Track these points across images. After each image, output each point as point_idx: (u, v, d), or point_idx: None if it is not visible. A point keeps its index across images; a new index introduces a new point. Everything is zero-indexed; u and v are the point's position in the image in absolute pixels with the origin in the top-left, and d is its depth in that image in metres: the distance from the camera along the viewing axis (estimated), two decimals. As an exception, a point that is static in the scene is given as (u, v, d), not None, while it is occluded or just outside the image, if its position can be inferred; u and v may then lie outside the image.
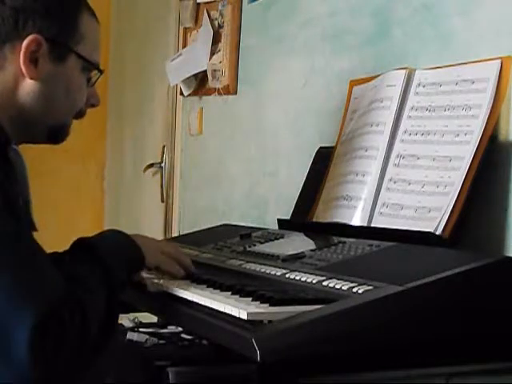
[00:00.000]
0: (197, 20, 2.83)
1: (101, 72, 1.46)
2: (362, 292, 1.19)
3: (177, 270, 1.50)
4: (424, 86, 1.64)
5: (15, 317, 1.13)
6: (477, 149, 1.47)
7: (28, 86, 1.37)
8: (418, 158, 1.59)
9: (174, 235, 2.96)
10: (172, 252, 1.52)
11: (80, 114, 1.47)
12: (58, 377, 1.16)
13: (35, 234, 1.36)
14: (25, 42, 1.34)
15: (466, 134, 1.51)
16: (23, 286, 1.16)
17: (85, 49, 1.41)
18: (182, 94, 2.91)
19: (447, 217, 1.46)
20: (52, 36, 1.36)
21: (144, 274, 1.52)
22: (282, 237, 1.71)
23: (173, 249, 1.55)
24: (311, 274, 1.35)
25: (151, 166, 3.25)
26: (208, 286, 1.38)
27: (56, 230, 3.53)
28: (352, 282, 1.24)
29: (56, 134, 1.45)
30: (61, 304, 1.16)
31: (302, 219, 1.85)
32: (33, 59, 1.35)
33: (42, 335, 1.13)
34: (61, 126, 1.44)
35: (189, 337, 1.76)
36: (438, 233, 1.46)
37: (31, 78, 1.36)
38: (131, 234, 1.51)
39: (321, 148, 1.95)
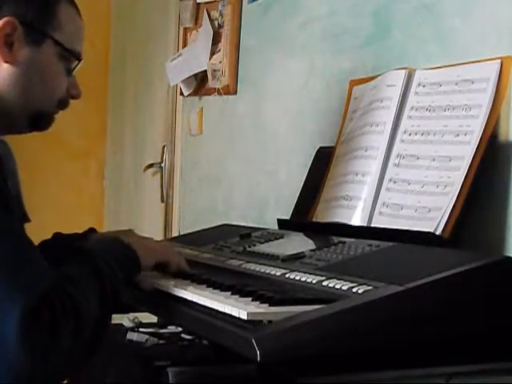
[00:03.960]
0: (197, 20, 2.83)
1: (79, 60, 1.45)
2: (362, 292, 1.19)
3: (175, 262, 1.50)
4: (424, 86, 1.64)
5: (5, 306, 1.13)
6: (477, 149, 1.47)
7: (4, 71, 1.37)
8: (418, 158, 1.59)
9: (174, 235, 2.96)
10: (165, 251, 1.53)
11: (63, 104, 1.46)
12: (48, 369, 1.16)
13: (29, 225, 1.36)
14: None
15: (465, 134, 1.51)
16: (13, 277, 1.16)
17: (63, 36, 1.41)
18: (182, 94, 2.91)
19: (447, 217, 1.46)
20: (27, 20, 1.36)
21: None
22: (282, 237, 1.71)
23: (166, 248, 1.55)
24: (311, 274, 1.35)
25: (151, 166, 3.25)
26: (208, 286, 1.38)
27: (55, 229, 3.54)
28: (352, 282, 1.24)
29: (38, 122, 1.44)
30: (50, 293, 1.16)
31: (301, 219, 1.85)
32: (8, 42, 1.36)
33: (32, 324, 1.12)
34: (41, 114, 1.44)
35: (189, 337, 1.76)
36: (437, 233, 1.46)
37: (6, 62, 1.36)
38: (125, 230, 1.51)
39: (321, 148, 1.95)
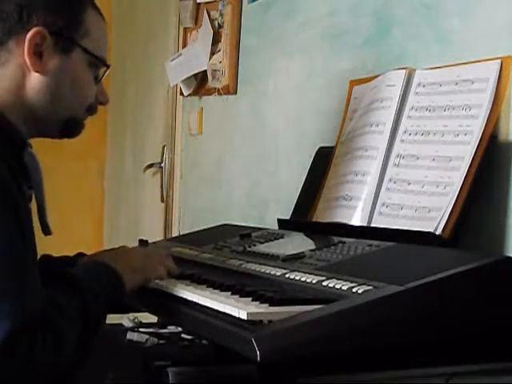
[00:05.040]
0: (197, 20, 2.83)
1: (107, 67, 1.46)
2: (362, 292, 1.19)
3: (162, 275, 1.50)
4: (424, 86, 1.64)
5: None
6: (477, 149, 1.47)
7: (34, 80, 1.38)
8: (418, 158, 1.59)
9: (174, 235, 2.96)
10: (157, 259, 1.52)
11: (91, 110, 1.47)
12: None
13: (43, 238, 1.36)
14: (29, 35, 1.35)
15: (465, 134, 1.51)
16: (2, 296, 1.16)
17: (90, 43, 1.42)
18: (182, 94, 2.91)
19: (447, 217, 1.46)
20: (56, 29, 1.37)
21: None
22: (282, 237, 1.71)
23: (157, 256, 1.55)
24: (311, 274, 1.35)
25: (151, 166, 3.25)
26: (208, 286, 1.38)
27: (55, 229, 3.53)
28: (352, 282, 1.24)
29: (69, 129, 1.46)
30: (35, 322, 1.16)
31: (301, 219, 1.85)
32: (37, 52, 1.36)
33: (9, 349, 1.12)
34: (73, 121, 1.45)
35: (189, 337, 1.76)
36: (437, 233, 1.46)
37: (36, 71, 1.37)
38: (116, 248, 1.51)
39: (321, 148, 1.95)
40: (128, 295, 1.43)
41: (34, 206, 1.40)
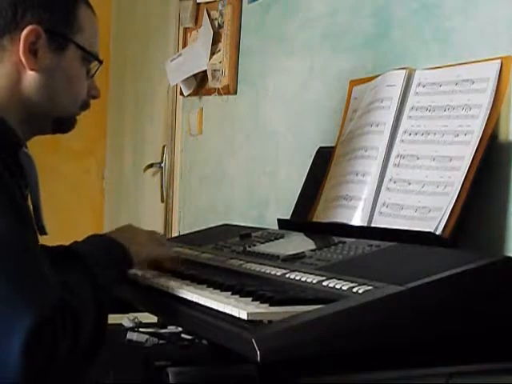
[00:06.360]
0: (197, 20, 2.83)
1: (100, 63, 1.47)
2: (362, 292, 1.19)
3: (166, 257, 1.54)
4: (424, 86, 1.64)
5: (11, 322, 1.12)
6: (477, 149, 1.47)
7: (29, 78, 1.38)
8: (418, 158, 1.59)
9: (174, 235, 2.96)
10: (157, 245, 1.55)
11: (85, 105, 1.47)
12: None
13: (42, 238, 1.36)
14: (23, 33, 1.35)
15: (465, 134, 1.51)
16: (20, 293, 1.15)
17: (84, 40, 1.42)
18: (182, 94, 2.91)
19: (447, 217, 1.46)
20: (51, 27, 1.37)
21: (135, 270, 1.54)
22: (282, 237, 1.71)
23: (158, 243, 1.58)
24: (311, 273, 1.35)
25: (151, 166, 3.25)
26: (208, 286, 1.38)
27: (55, 229, 3.53)
28: (352, 282, 1.24)
29: (62, 126, 1.46)
30: (55, 312, 1.16)
31: (302, 219, 1.85)
32: (32, 50, 1.36)
33: (35, 341, 1.12)
34: (66, 118, 1.45)
35: (189, 337, 1.76)
36: (438, 233, 1.46)
37: (31, 69, 1.37)
38: (123, 226, 1.53)
39: (321, 148, 1.95)
40: (136, 268, 1.47)
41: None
